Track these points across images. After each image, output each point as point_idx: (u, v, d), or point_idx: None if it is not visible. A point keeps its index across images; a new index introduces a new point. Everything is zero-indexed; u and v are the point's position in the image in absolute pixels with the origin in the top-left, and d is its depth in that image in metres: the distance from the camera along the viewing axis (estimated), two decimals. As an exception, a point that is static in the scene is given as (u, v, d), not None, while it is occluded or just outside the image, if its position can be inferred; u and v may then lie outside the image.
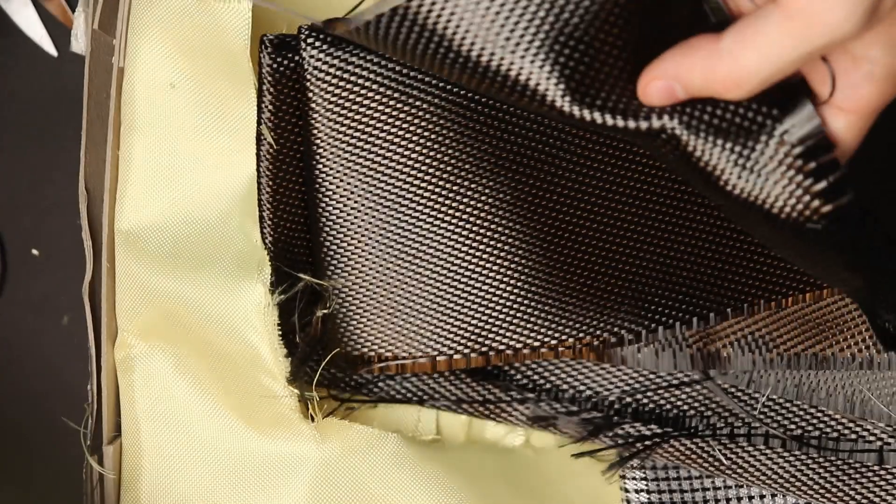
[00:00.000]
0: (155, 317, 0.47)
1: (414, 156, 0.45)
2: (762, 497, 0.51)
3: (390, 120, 0.44)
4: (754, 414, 0.49)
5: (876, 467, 0.49)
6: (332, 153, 0.45)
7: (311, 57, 0.44)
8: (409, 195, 0.45)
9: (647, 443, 0.49)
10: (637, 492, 0.51)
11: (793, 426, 0.49)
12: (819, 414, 0.49)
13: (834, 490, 0.49)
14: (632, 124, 0.35)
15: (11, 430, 0.52)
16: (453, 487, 0.48)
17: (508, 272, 0.46)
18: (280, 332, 0.47)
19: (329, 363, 0.47)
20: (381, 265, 0.46)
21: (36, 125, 0.53)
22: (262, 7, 0.51)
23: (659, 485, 0.51)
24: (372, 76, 0.44)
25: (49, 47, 0.53)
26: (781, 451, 0.50)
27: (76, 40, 0.53)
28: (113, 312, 0.47)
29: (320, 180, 0.45)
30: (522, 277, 0.46)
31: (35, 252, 0.53)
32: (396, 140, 0.45)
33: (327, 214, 0.46)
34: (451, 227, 0.46)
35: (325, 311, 0.47)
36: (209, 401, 0.47)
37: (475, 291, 0.46)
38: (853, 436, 0.49)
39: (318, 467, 0.47)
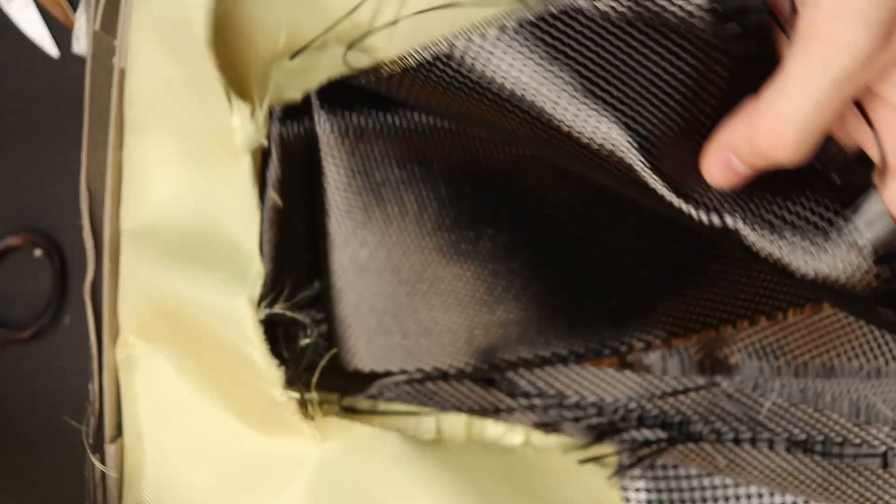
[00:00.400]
0: (156, 317, 0.47)
1: (430, 213, 0.45)
2: (761, 496, 0.51)
3: (406, 179, 0.45)
4: (759, 419, 0.49)
5: (878, 469, 0.49)
6: (347, 211, 0.45)
7: (326, 123, 0.44)
8: (425, 244, 0.46)
9: (652, 448, 0.49)
10: (636, 490, 0.51)
11: (797, 430, 0.49)
12: (824, 418, 0.49)
13: (832, 489, 0.49)
14: (693, 213, 0.34)
15: (11, 430, 0.52)
16: (453, 487, 0.48)
17: (521, 301, 0.46)
18: (269, 347, 0.47)
19: (332, 379, 0.48)
20: (391, 298, 0.47)
21: (36, 125, 0.54)
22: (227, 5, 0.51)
23: (658, 483, 0.51)
24: (385, 138, 0.44)
25: (50, 48, 0.54)
26: (781, 451, 0.50)
27: (77, 41, 0.53)
28: (115, 312, 0.47)
29: (333, 234, 0.46)
30: (536, 303, 0.46)
31: (37, 252, 0.53)
32: (413, 199, 0.45)
33: (339, 260, 0.46)
34: (465, 268, 0.46)
35: (308, 341, 0.48)
36: (210, 401, 0.47)
37: (488, 318, 0.47)
38: (858, 440, 0.49)
39: (318, 467, 0.47)
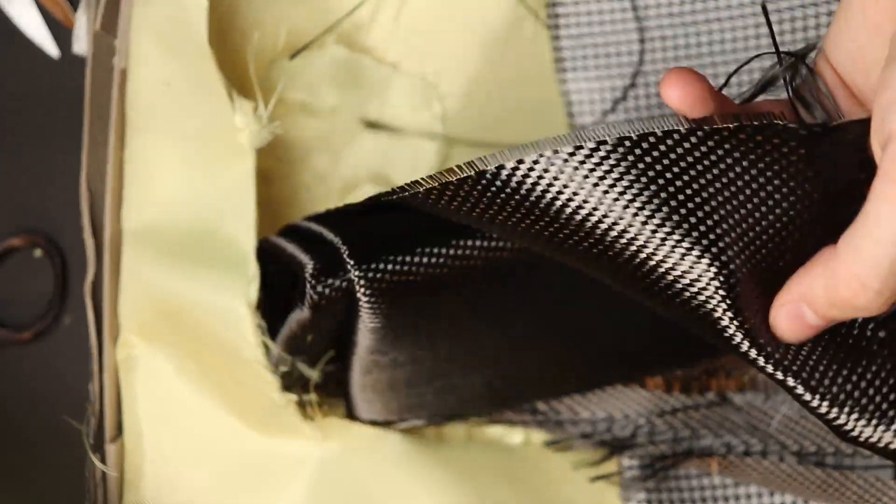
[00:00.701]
0: (157, 317, 0.47)
1: (462, 326, 0.46)
2: (760, 495, 0.51)
3: (440, 309, 0.46)
4: (769, 431, 0.49)
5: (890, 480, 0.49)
6: (379, 340, 0.46)
7: (365, 285, 0.43)
8: (453, 344, 0.47)
9: (664, 462, 0.49)
10: (635, 490, 0.51)
11: (808, 442, 0.49)
12: None
13: (831, 490, 0.49)
14: (761, 362, 0.33)
15: (11, 430, 0.52)
16: (453, 487, 0.48)
17: (542, 358, 0.48)
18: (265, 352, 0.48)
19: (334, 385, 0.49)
20: (411, 377, 0.47)
21: (36, 125, 0.54)
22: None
23: (657, 483, 0.51)
24: (421, 279, 0.44)
25: (50, 48, 0.54)
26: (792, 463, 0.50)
27: (78, 41, 0.53)
28: (115, 312, 0.47)
29: (358, 350, 0.47)
30: (555, 357, 0.48)
31: (37, 253, 0.53)
32: (445, 321, 0.46)
33: (358, 364, 0.47)
34: (491, 350, 0.47)
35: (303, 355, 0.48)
36: (210, 401, 0.47)
37: (508, 373, 0.48)
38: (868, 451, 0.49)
39: (318, 467, 0.47)
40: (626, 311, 0.47)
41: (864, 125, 0.31)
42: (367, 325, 0.44)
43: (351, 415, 0.49)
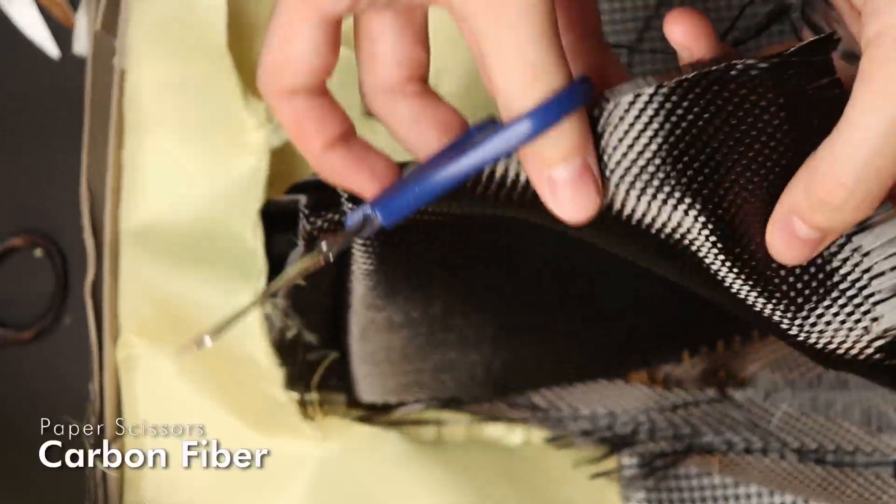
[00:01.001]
0: (157, 316, 0.47)
1: (458, 280, 0.46)
2: (760, 495, 0.51)
3: (435, 256, 0.45)
4: (769, 429, 0.49)
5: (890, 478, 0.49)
6: (372, 287, 0.46)
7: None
8: (450, 302, 0.47)
9: (665, 460, 0.49)
10: (635, 489, 0.51)
11: (808, 439, 0.49)
12: (835, 427, 0.49)
13: (831, 489, 0.49)
14: (749, 294, 0.33)
15: (11, 430, 0.52)
16: (453, 487, 0.48)
17: (542, 339, 0.48)
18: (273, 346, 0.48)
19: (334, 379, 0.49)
20: (408, 348, 0.48)
21: (36, 125, 0.54)
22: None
23: (657, 482, 0.51)
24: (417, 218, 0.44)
25: (51, 49, 0.54)
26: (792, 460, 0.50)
27: (78, 41, 0.53)
28: (115, 312, 0.47)
29: (354, 303, 0.47)
30: (555, 339, 0.48)
31: (37, 253, 0.53)
32: (440, 272, 0.46)
33: (356, 321, 0.47)
34: (489, 317, 0.47)
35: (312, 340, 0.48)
36: (210, 401, 0.47)
37: (506, 355, 0.48)
38: (870, 448, 0.49)
39: (318, 467, 0.47)
40: (623, 296, 0.47)
41: (823, 43, 0.31)
42: (360, 267, 0.45)
43: (351, 400, 0.49)
